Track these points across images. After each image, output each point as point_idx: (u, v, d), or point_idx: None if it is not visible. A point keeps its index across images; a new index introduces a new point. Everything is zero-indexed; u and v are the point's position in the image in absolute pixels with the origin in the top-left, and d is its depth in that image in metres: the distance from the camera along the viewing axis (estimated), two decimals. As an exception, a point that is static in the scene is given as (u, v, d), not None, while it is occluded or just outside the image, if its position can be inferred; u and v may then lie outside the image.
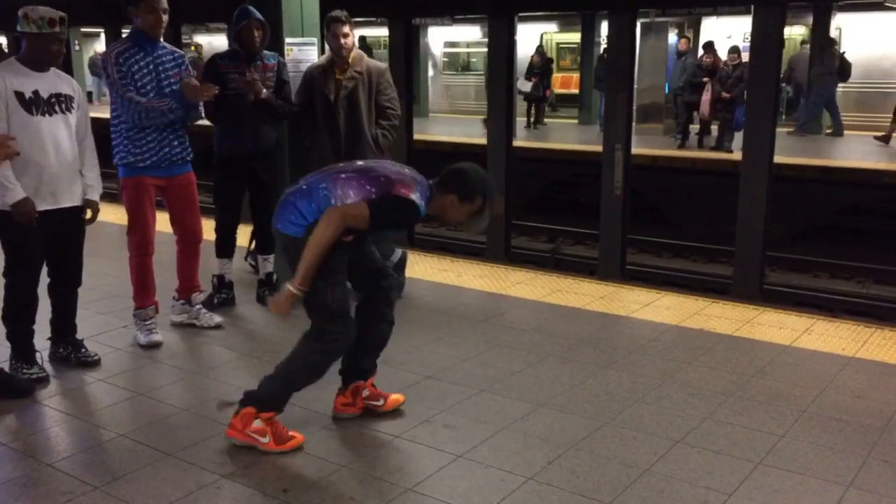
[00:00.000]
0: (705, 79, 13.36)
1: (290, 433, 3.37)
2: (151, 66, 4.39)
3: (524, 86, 16.39)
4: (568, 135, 16.38)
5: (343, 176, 3.29)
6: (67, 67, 15.54)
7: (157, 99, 4.38)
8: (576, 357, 4.41)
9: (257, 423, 3.31)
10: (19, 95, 3.83)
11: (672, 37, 16.25)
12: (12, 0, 3.92)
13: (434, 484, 3.11)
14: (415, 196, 3.23)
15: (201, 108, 4.66)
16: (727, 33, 16.80)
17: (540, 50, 17.70)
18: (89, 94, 16.70)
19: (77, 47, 17.20)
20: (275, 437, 3.32)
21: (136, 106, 4.30)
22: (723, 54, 13.74)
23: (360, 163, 3.51)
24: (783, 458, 3.29)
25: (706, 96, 13.22)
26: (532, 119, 16.79)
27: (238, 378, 4.18)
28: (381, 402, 3.69)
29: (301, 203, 3.27)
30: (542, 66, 16.68)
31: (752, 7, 8.25)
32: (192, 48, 23.54)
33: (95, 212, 4.21)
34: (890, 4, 14.54)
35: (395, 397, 3.75)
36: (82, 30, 18.28)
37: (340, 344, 3.37)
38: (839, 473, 3.17)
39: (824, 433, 3.51)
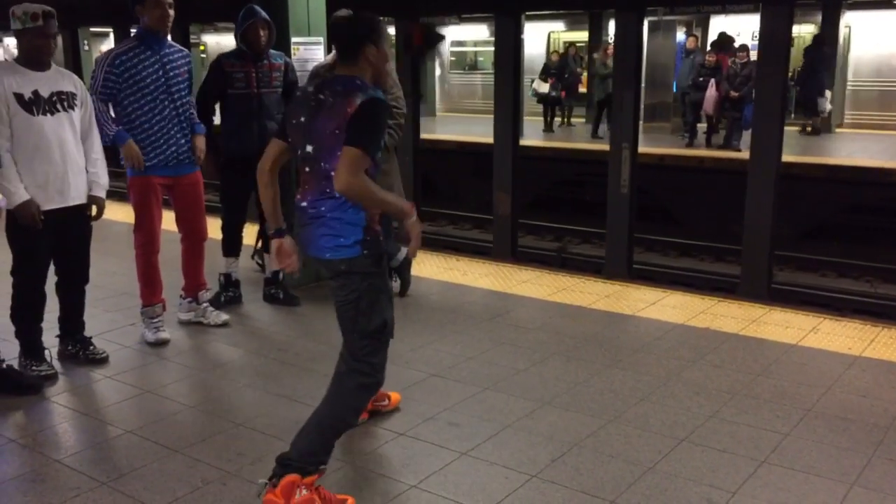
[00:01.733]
0: (702, 78, 13.42)
1: (340, 497, 2.96)
2: (159, 65, 4.41)
3: (541, 87, 16.17)
4: (575, 134, 16.38)
5: (322, 163, 2.90)
6: (76, 67, 15.63)
7: (159, 99, 4.39)
8: (581, 355, 4.41)
9: (303, 493, 2.83)
10: (19, 97, 3.85)
11: (680, 35, 16.22)
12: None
13: (438, 481, 3.12)
14: (360, 97, 2.82)
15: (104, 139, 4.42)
16: (735, 32, 16.73)
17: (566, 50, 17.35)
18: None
19: (86, 47, 17.27)
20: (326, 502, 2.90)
21: (97, 112, 4.26)
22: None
23: (308, 150, 2.97)
24: (788, 456, 3.29)
25: (710, 92, 13.25)
26: (550, 120, 16.34)
27: (244, 375, 4.20)
28: (385, 402, 3.69)
29: (337, 213, 2.92)
30: (559, 66, 16.52)
31: (761, 5, 8.23)
32: (201, 48, 23.60)
33: (101, 208, 4.22)
34: (899, 2, 14.47)
35: (396, 395, 3.76)
36: (91, 30, 18.34)
37: (382, 375, 3.08)
38: (844, 472, 3.17)
39: (829, 432, 3.51)
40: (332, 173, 2.84)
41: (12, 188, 3.81)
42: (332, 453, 3.00)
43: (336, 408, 3.00)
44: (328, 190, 2.90)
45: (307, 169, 2.99)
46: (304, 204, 3.00)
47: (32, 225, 3.87)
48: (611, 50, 14.79)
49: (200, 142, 4.65)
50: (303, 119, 2.98)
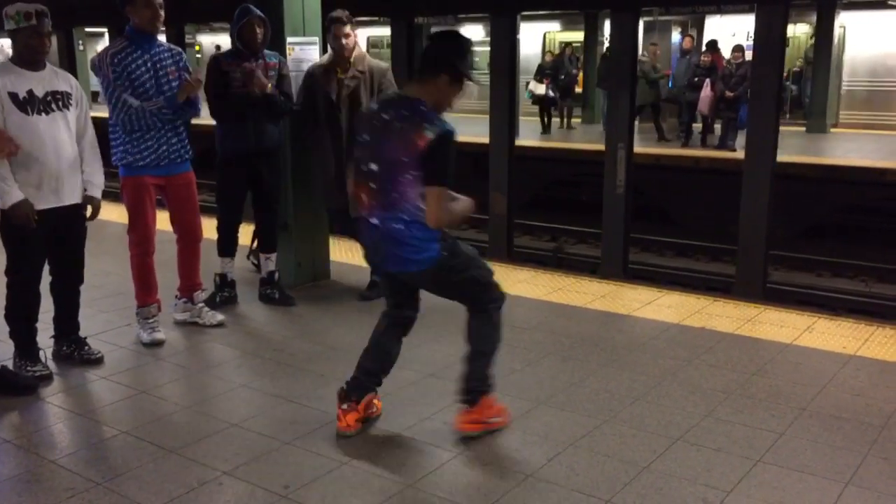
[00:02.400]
0: (697, 79, 13.45)
1: (499, 404, 3.51)
2: (150, 64, 4.40)
3: (537, 88, 16.13)
4: (571, 134, 16.38)
5: (393, 194, 3.13)
6: (71, 67, 15.62)
7: (153, 99, 4.38)
8: (576, 355, 4.42)
9: (494, 410, 3.44)
10: (13, 96, 3.84)
11: (675, 35, 16.25)
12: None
13: (434, 480, 3.12)
14: (429, 132, 3.03)
15: (199, 106, 4.63)
16: (731, 32, 16.78)
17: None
18: (95, 94, 16.80)
19: (81, 47, 17.24)
20: (500, 412, 3.47)
21: (129, 109, 4.30)
22: (726, 53, 13.78)
23: (373, 168, 3.21)
24: (782, 455, 3.30)
25: (705, 92, 13.29)
26: (547, 122, 16.25)
27: (240, 376, 4.20)
28: (374, 409, 3.64)
29: (413, 231, 3.15)
30: (553, 66, 16.50)
31: (755, 6, 8.25)
32: (197, 48, 23.56)
33: (96, 209, 4.22)
34: (893, 3, 14.51)
35: (378, 402, 3.69)
36: (86, 30, 18.32)
37: (501, 302, 3.44)
38: (838, 471, 3.18)
39: (824, 431, 3.52)
40: (396, 195, 3.11)
41: (6, 187, 3.81)
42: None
43: (485, 337, 3.42)
44: (398, 212, 3.15)
45: (372, 185, 3.22)
46: (375, 221, 3.23)
47: (26, 225, 3.86)
48: (660, 51, 14.73)
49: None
50: (367, 137, 3.22)
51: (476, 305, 3.40)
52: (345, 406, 3.46)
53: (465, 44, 3.23)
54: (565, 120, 17.12)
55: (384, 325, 3.55)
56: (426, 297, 5.54)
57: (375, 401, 3.63)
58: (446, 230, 3.24)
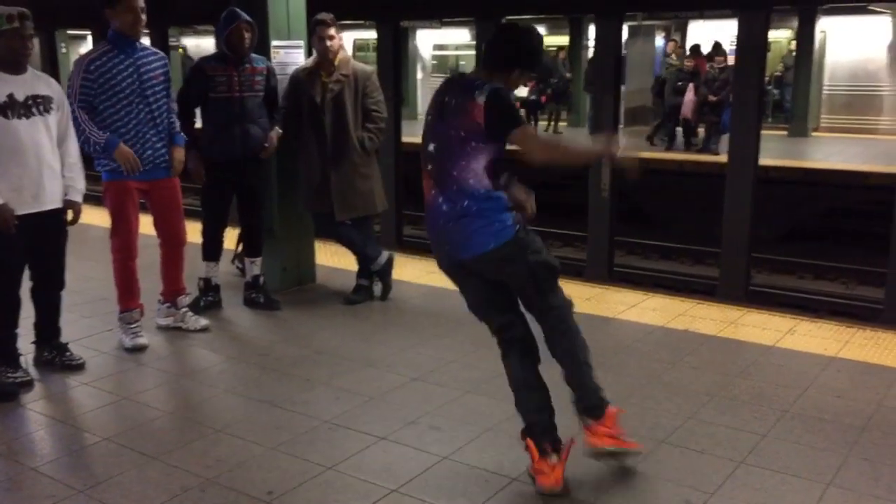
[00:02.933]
0: (680, 83, 13.54)
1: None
2: (133, 69, 4.37)
3: (521, 90, 16.19)
4: (560, 138, 16.44)
5: (453, 172, 3.02)
6: (54, 70, 15.49)
7: (101, 134, 4.30)
8: (561, 358, 4.42)
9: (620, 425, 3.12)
10: None
11: (659, 40, 16.35)
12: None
13: (420, 485, 3.12)
14: (480, 96, 2.93)
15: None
16: (714, 37, 16.89)
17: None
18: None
19: (64, 49, 17.12)
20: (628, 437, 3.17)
21: (77, 122, 4.23)
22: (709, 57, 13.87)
23: (430, 148, 3.11)
24: (765, 457, 3.32)
25: (688, 97, 13.38)
26: (534, 125, 16.42)
27: (224, 381, 4.18)
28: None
29: (484, 204, 3.00)
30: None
31: (738, 11, 8.32)
32: (180, 50, 23.46)
33: (77, 213, 4.18)
34: (874, 8, 14.67)
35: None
36: (69, 32, 18.19)
37: (568, 301, 3.22)
38: (820, 472, 3.20)
39: (806, 432, 3.54)
40: (455, 172, 3.00)
41: None
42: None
43: (580, 343, 3.17)
44: (462, 186, 3.02)
45: (430, 167, 3.12)
46: (444, 205, 3.07)
47: (5, 230, 3.82)
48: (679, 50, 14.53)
49: (179, 153, 4.61)
50: (430, 118, 3.16)
51: (544, 310, 3.14)
52: (553, 459, 3.11)
53: (539, 40, 3.17)
54: (550, 124, 17.15)
55: (516, 361, 3.23)
56: (408, 302, 5.53)
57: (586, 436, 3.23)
58: (517, 214, 3.06)
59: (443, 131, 3.06)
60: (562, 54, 17.36)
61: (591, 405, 3.14)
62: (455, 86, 3.11)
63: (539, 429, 3.14)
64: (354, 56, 13.72)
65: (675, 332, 4.88)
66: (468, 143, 2.98)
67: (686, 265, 10.98)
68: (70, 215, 4.16)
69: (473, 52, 11.69)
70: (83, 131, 4.26)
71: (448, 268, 3.24)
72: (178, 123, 4.68)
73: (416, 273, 6.18)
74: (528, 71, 3.14)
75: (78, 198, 4.16)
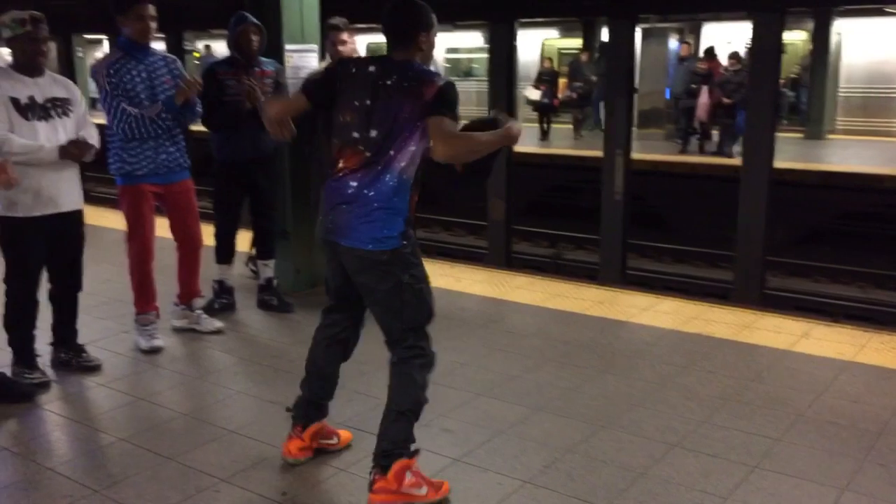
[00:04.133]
0: (694, 86, 13.50)
1: (437, 480, 3.08)
2: (144, 74, 4.41)
3: (531, 94, 16.15)
4: (568, 140, 16.41)
5: (390, 152, 2.94)
6: (70, 73, 15.62)
7: (149, 106, 4.37)
8: (574, 361, 4.43)
9: (409, 478, 2.97)
10: (15, 101, 3.86)
11: (673, 42, 16.30)
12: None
13: (431, 487, 3.12)
14: (439, 81, 2.92)
15: (199, 109, 4.64)
16: (728, 39, 16.83)
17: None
18: (94, 100, 16.74)
19: (80, 54, 17.28)
20: (430, 485, 3.02)
21: (128, 117, 4.30)
22: (724, 59, 13.82)
23: (372, 134, 3.00)
24: (779, 461, 3.31)
25: (702, 99, 13.34)
26: (546, 127, 16.36)
27: (238, 383, 4.20)
28: (334, 441, 3.42)
29: (384, 202, 2.94)
30: (551, 73, 16.49)
31: (752, 13, 8.29)
32: (196, 55, 23.56)
33: (82, 148, 4.00)
34: (890, 10, 14.58)
35: (346, 434, 3.49)
36: (85, 36, 18.36)
37: (432, 352, 3.14)
38: (835, 477, 3.19)
39: (821, 437, 3.53)
40: (393, 152, 2.93)
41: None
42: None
43: (410, 394, 3.05)
44: (383, 174, 2.95)
45: (367, 154, 2.99)
46: (350, 187, 2.98)
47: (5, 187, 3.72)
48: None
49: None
50: (368, 102, 3.01)
51: (404, 344, 3.06)
52: (291, 432, 3.29)
53: (425, 7, 3.11)
54: (573, 127, 16.90)
55: (324, 345, 3.30)
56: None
57: (340, 432, 3.43)
58: (413, 232, 3.03)
59: (391, 115, 2.95)
60: (584, 56, 17.18)
61: (378, 452, 3.02)
62: (399, 69, 2.99)
63: (300, 404, 3.31)
64: (368, 59, 13.73)
65: (688, 335, 4.86)
66: (414, 122, 2.91)
67: (700, 268, 10.93)
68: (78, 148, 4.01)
69: (486, 56, 11.68)
70: (139, 118, 4.29)
71: (322, 240, 3.14)
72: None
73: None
74: (431, 28, 3.07)
75: (91, 141, 4.04)
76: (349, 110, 3.04)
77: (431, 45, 3.11)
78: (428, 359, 3.12)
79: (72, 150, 3.94)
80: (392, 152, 2.95)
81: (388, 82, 2.98)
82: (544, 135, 16.26)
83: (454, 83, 3.00)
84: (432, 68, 3.19)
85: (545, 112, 16.39)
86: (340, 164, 3.05)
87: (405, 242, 3.00)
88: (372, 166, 2.98)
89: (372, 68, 3.04)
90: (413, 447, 3.06)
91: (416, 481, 2.99)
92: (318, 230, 3.16)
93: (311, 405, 3.32)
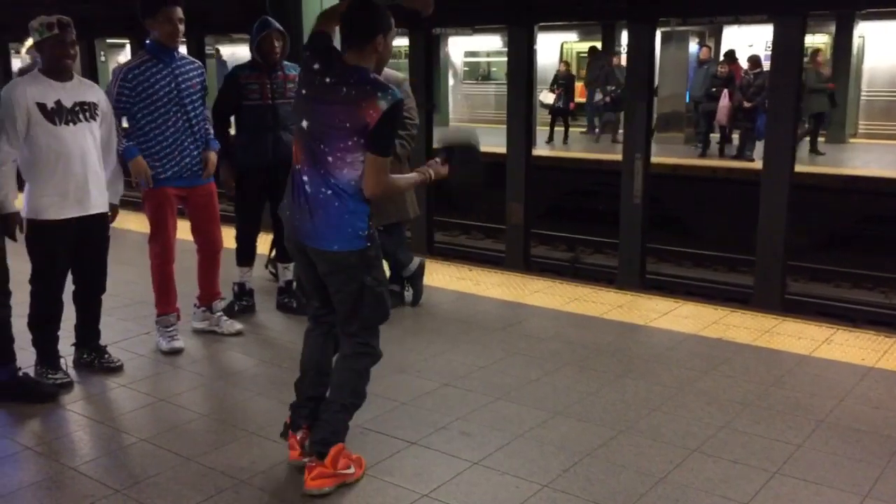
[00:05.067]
0: (715, 89, 13.42)
1: (355, 455, 3.26)
2: (170, 77, 4.46)
3: (546, 98, 16.14)
4: (587, 144, 16.38)
5: (328, 157, 3.00)
6: (93, 77, 15.78)
7: (122, 141, 4.37)
8: (593, 365, 4.42)
9: (342, 461, 3.15)
10: (41, 106, 3.91)
11: (693, 46, 16.22)
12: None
13: (450, 490, 3.13)
14: (383, 101, 2.92)
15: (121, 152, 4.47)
16: (749, 42, 16.73)
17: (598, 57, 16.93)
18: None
19: (103, 58, 17.43)
20: (355, 463, 3.22)
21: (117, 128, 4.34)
22: (744, 63, 13.75)
23: (304, 125, 3.09)
24: (800, 467, 3.28)
25: (723, 102, 13.27)
26: (564, 131, 16.35)
27: (257, 384, 4.23)
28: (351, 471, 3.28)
29: (343, 203, 3.01)
30: (566, 77, 16.46)
31: (773, 16, 8.23)
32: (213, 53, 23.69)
33: (114, 215, 4.27)
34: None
35: (361, 465, 3.34)
36: (108, 41, 18.52)
37: (379, 349, 3.27)
38: (856, 483, 3.16)
39: (842, 443, 3.50)
40: (331, 159, 2.98)
41: (3, 196, 3.85)
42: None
43: (355, 389, 3.20)
44: (331, 178, 3.01)
45: (302, 144, 3.10)
46: (308, 185, 3.06)
47: (9, 236, 3.90)
48: (822, 58, 14.05)
49: (212, 157, 4.68)
50: (304, 92, 3.10)
51: (358, 340, 3.16)
52: (299, 435, 3.29)
53: (384, 10, 3.12)
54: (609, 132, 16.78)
55: (316, 340, 3.34)
56: (439, 308, 5.55)
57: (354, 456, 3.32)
58: (375, 231, 3.12)
59: (324, 116, 2.99)
60: (615, 60, 17.06)
61: (317, 440, 3.14)
62: (343, 73, 3.00)
63: (296, 411, 3.34)
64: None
65: (708, 340, 4.84)
66: (352, 137, 2.96)
67: (720, 273, 10.86)
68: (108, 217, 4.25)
69: (505, 59, 11.68)
70: (118, 136, 4.35)
71: (291, 242, 3.21)
72: (212, 131, 4.75)
73: (447, 279, 6.21)
74: (389, 31, 3.08)
75: (115, 200, 4.25)
76: (295, 100, 3.20)
77: (388, 49, 3.13)
78: (374, 357, 3.25)
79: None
80: (330, 159, 3.01)
81: (327, 80, 3.03)
82: (552, 139, 16.28)
83: (400, 100, 2.99)
84: (402, 94, 3.24)
85: (561, 116, 16.39)
86: (297, 155, 3.15)
87: (369, 244, 3.08)
88: (312, 161, 3.05)
89: (316, 66, 3.10)
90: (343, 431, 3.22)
91: (346, 462, 3.17)
92: (286, 226, 3.23)
93: (315, 403, 3.30)
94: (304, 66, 3.17)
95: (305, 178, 3.08)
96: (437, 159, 3.31)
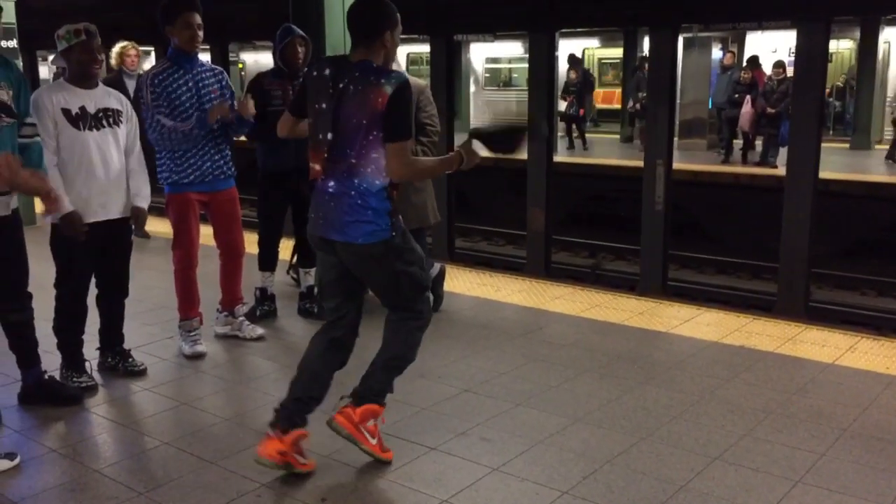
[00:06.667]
0: (737, 95, 13.34)
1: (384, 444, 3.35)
2: (191, 83, 4.50)
3: (558, 105, 16.16)
4: (608, 150, 16.34)
5: (352, 160, 3.06)
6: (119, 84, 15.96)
7: (187, 121, 4.43)
8: (614, 372, 4.40)
9: (371, 423, 3.28)
10: (66, 112, 3.97)
11: (716, 51, 16.14)
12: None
13: (469, 496, 3.13)
14: (388, 86, 2.97)
15: (251, 122, 4.63)
16: (772, 48, 16.63)
17: (576, 64, 17.19)
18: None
19: (127, 65, 17.63)
20: (380, 441, 3.33)
21: (162, 129, 4.39)
22: (767, 69, 13.66)
23: (329, 137, 3.13)
24: (823, 476, 3.25)
25: (746, 109, 13.19)
26: (574, 137, 16.47)
27: (279, 389, 4.23)
28: (305, 462, 3.31)
29: (365, 199, 3.05)
30: (578, 83, 16.47)
31: (797, 21, 8.18)
32: (240, 66, 23.87)
33: (143, 219, 4.31)
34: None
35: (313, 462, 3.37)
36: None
37: (429, 314, 3.38)
38: (880, 493, 3.12)
39: (866, 452, 3.46)
40: (355, 160, 3.04)
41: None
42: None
43: (399, 350, 3.32)
44: (355, 177, 3.08)
45: (326, 156, 3.14)
46: (331, 187, 3.13)
47: (75, 237, 3.97)
48: None
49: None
50: (324, 106, 3.13)
51: (404, 310, 3.29)
52: (270, 431, 3.25)
53: (391, 5, 3.17)
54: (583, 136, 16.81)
55: (322, 347, 3.36)
56: (459, 314, 5.55)
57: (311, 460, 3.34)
58: (399, 219, 3.16)
59: (345, 118, 3.05)
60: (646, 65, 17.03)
61: (358, 389, 3.30)
62: (350, 71, 3.06)
63: (286, 406, 3.30)
64: (408, 70, 13.85)
65: (730, 347, 4.81)
66: (371, 132, 3.01)
67: (743, 280, 10.78)
68: (137, 221, 4.28)
69: (526, 65, 11.69)
70: (174, 130, 4.38)
71: (317, 239, 3.24)
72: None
73: (467, 285, 6.21)
74: (396, 27, 3.13)
75: (144, 204, 4.28)
76: (312, 114, 3.21)
77: (395, 44, 3.17)
78: (423, 321, 3.33)
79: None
80: (353, 160, 3.06)
81: (341, 85, 3.08)
82: (572, 144, 16.29)
83: (406, 82, 3.03)
84: (395, 66, 3.29)
85: (573, 122, 16.43)
86: (316, 168, 3.19)
87: (394, 234, 3.13)
88: (339, 172, 3.10)
89: (327, 71, 3.15)
90: (383, 401, 3.32)
91: (374, 429, 3.28)
92: (310, 228, 3.28)
93: (299, 406, 3.29)
94: (313, 80, 3.18)
95: (330, 182, 3.13)
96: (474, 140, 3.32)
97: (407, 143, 3.07)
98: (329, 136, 3.11)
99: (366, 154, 3.05)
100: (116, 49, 7.14)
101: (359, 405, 3.26)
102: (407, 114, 3.08)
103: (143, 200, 4.29)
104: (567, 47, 18.96)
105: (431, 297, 5.47)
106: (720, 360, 4.60)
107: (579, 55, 20.26)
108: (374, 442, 3.29)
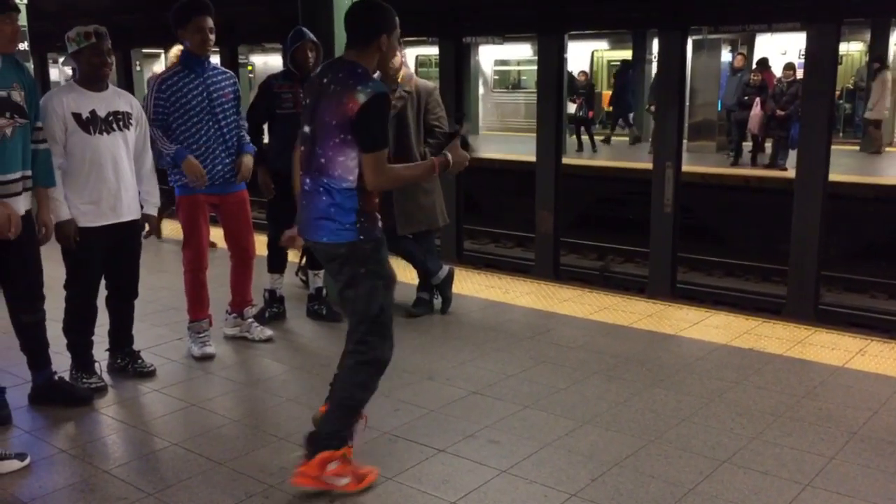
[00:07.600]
0: (747, 97, 13.29)
1: (364, 470, 3.21)
2: (202, 87, 4.52)
3: (567, 107, 16.16)
4: (617, 152, 16.31)
5: (321, 159, 3.05)
6: (129, 87, 16.04)
7: (169, 147, 4.45)
8: (622, 375, 4.39)
9: (333, 466, 3.09)
10: (76, 116, 3.99)
11: (726, 54, 16.10)
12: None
13: (478, 498, 3.13)
14: (361, 94, 2.93)
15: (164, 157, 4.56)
16: (782, 50, 16.57)
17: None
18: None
19: (138, 68, 17.73)
20: (354, 475, 3.15)
21: (151, 138, 4.39)
22: (777, 71, 13.62)
23: (306, 130, 3.16)
24: (832, 480, 3.24)
25: (755, 111, 13.14)
26: (590, 140, 16.44)
27: (288, 390, 4.27)
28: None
29: (332, 197, 3.05)
30: (586, 85, 16.46)
31: (807, 24, 8.16)
32: (249, 68, 23.96)
33: (153, 226, 4.36)
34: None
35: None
36: (143, 51, 18.82)
37: (380, 352, 3.15)
38: (890, 497, 3.11)
39: (876, 456, 3.44)
40: (324, 160, 3.04)
41: (58, 204, 3.94)
42: (354, 431, 3.22)
43: (345, 387, 3.18)
44: (323, 176, 3.08)
45: (303, 148, 3.19)
46: (307, 184, 3.15)
47: (66, 245, 4.00)
48: None
49: (248, 160, 4.73)
50: (308, 101, 3.19)
51: (356, 327, 3.13)
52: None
53: (388, 9, 3.16)
54: (592, 138, 16.80)
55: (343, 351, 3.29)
56: (468, 316, 5.55)
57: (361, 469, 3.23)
58: (375, 225, 3.11)
59: (319, 115, 3.06)
60: None
61: (309, 436, 3.16)
62: (336, 69, 3.08)
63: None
64: (417, 72, 13.88)
65: (739, 350, 4.79)
66: (337, 134, 2.99)
67: (752, 282, 10.74)
68: (146, 228, 4.33)
69: (535, 67, 11.69)
70: (156, 146, 4.43)
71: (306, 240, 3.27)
72: (247, 137, 4.81)
73: (476, 287, 6.22)
74: (393, 31, 3.10)
75: (153, 211, 4.33)
76: (304, 110, 3.26)
77: (392, 48, 3.15)
78: (366, 356, 3.13)
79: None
80: (322, 159, 3.06)
81: (325, 81, 3.10)
82: (581, 147, 16.31)
83: (381, 94, 2.97)
84: (405, 70, 3.28)
85: (581, 124, 16.43)
86: (303, 162, 3.21)
87: (362, 237, 3.07)
88: (313, 169, 3.11)
89: (319, 70, 3.22)
90: (347, 443, 3.15)
91: (339, 470, 3.10)
92: (299, 229, 3.31)
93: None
94: (310, 81, 3.26)
95: (307, 179, 3.16)
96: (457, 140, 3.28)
97: (381, 153, 3.00)
98: (307, 129, 3.16)
99: (333, 156, 3.03)
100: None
101: (312, 457, 3.09)
102: (378, 125, 3.00)
103: (153, 207, 4.33)
104: (577, 49, 18.95)
105: (440, 302, 5.51)
106: (729, 362, 4.59)
107: (588, 57, 20.25)
108: (345, 482, 3.12)
